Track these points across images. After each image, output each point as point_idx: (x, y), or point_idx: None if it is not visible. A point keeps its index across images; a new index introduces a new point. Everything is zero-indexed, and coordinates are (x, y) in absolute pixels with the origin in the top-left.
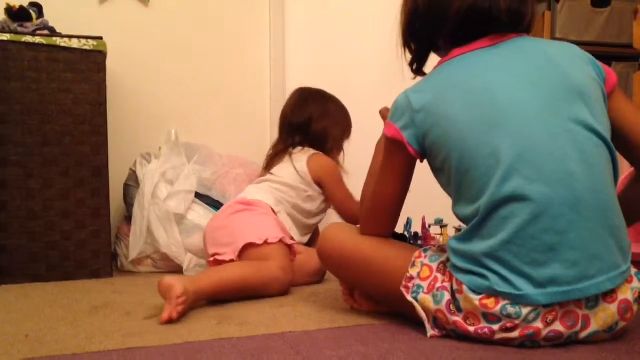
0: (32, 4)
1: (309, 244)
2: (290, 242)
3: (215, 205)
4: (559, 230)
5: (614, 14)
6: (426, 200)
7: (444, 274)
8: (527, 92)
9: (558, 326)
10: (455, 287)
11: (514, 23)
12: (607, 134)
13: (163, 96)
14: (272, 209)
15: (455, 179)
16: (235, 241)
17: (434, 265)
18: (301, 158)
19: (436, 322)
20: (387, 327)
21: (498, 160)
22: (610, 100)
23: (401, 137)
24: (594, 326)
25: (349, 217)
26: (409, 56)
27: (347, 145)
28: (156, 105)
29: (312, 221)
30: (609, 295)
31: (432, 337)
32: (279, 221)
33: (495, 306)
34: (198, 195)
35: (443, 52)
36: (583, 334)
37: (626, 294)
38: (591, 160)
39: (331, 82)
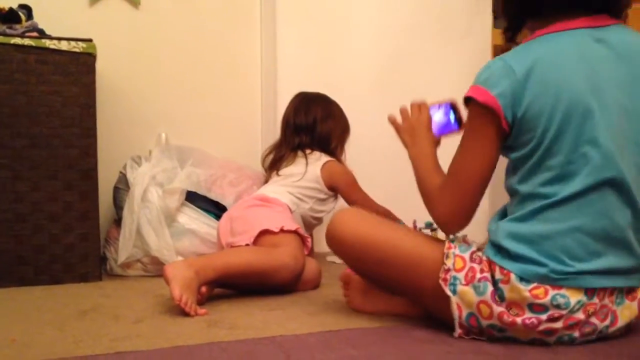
0: (21, 6)
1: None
2: (305, 234)
3: (209, 209)
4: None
5: None
6: (417, 203)
7: (480, 264)
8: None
9: (594, 319)
10: (499, 276)
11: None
12: None
13: (153, 99)
14: (289, 207)
15: (541, 152)
16: (251, 228)
17: (466, 256)
18: (316, 164)
19: (469, 320)
20: (378, 331)
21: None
22: None
23: (497, 105)
24: (621, 322)
25: None
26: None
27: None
28: (146, 108)
29: (317, 222)
30: (631, 293)
31: (459, 336)
32: (294, 218)
33: (545, 297)
34: (196, 195)
35: (539, 22)
36: (612, 329)
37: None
38: None
39: (322, 84)
